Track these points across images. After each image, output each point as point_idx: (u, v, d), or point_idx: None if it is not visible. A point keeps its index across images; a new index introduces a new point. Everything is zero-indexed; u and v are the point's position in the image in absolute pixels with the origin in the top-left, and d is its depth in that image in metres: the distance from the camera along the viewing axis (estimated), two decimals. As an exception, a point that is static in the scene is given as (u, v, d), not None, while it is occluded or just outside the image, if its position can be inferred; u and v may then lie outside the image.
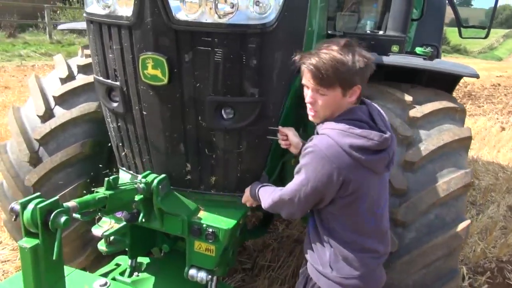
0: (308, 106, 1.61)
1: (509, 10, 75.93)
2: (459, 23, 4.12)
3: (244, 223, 2.37)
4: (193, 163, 2.04)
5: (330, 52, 1.48)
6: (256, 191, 1.94)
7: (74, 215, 1.53)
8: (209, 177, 2.10)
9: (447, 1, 4.68)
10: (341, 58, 1.47)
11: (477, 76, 2.26)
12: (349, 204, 1.56)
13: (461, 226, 1.95)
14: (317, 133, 1.62)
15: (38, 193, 1.39)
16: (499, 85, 14.93)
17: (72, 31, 16.37)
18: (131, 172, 2.27)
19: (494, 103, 11.66)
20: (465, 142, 2.16)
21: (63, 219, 1.32)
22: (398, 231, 1.98)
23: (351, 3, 4.18)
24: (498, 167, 6.33)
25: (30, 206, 1.31)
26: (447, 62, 2.56)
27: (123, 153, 2.24)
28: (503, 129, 8.51)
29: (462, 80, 3.37)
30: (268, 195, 1.82)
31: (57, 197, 1.42)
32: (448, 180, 1.99)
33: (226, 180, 2.11)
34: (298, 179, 1.60)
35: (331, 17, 3.76)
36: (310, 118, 1.65)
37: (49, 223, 1.30)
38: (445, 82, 2.77)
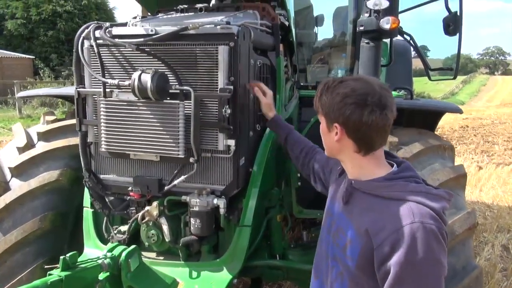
0: None
1: (463, 58, 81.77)
2: (426, 66, 4.20)
3: (230, 293, 2.10)
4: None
5: (331, 79, 1.35)
6: None
7: (20, 306, 1.24)
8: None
9: (411, 48, 4.84)
10: (339, 88, 1.29)
11: (460, 111, 2.19)
12: None
13: (474, 273, 1.74)
14: (349, 190, 1.33)
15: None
16: (467, 126, 15.45)
17: (42, 104, 16.26)
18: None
19: (466, 144, 11.94)
20: (460, 181, 2.02)
21: (0, 315, 1.05)
22: None
23: (319, 57, 4.25)
24: (484, 206, 6.26)
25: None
26: (429, 100, 2.51)
27: None
28: (480, 168, 8.59)
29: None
30: None
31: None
32: (450, 224, 1.81)
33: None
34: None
35: (302, 69, 3.80)
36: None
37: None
38: (425, 121, 2.71)
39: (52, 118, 2.80)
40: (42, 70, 21.25)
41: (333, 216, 1.42)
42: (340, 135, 1.30)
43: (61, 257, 1.43)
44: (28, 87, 18.74)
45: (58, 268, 1.43)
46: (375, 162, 1.31)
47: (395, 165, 1.33)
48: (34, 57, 22.52)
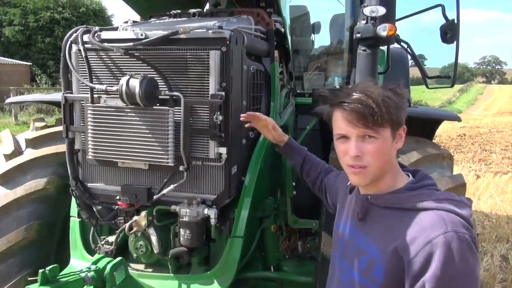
0: (351, 162, 1.17)
1: (460, 67, 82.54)
2: (424, 74, 4.17)
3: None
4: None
5: (369, 86, 1.19)
6: None
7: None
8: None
9: (409, 56, 4.82)
10: (385, 91, 1.16)
11: (458, 119, 2.14)
12: None
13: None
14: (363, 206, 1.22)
15: None
16: (464, 135, 15.43)
17: (39, 111, 16.21)
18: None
19: (464, 152, 11.90)
20: (460, 190, 1.96)
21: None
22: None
23: (316, 65, 4.22)
24: (482, 215, 6.20)
25: None
26: (427, 108, 2.47)
27: None
28: (478, 177, 8.54)
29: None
30: None
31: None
32: (450, 235, 1.74)
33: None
34: None
35: (298, 76, 3.76)
36: (355, 181, 1.22)
37: None
38: (423, 129, 2.66)
39: (41, 124, 2.73)
40: (39, 77, 21.19)
41: (345, 237, 1.29)
42: (404, 137, 1.20)
43: (40, 271, 1.36)
44: (25, 93, 18.67)
45: (37, 282, 1.36)
46: (394, 172, 1.21)
47: (410, 175, 1.24)
48: (31, 63, 22.48)
